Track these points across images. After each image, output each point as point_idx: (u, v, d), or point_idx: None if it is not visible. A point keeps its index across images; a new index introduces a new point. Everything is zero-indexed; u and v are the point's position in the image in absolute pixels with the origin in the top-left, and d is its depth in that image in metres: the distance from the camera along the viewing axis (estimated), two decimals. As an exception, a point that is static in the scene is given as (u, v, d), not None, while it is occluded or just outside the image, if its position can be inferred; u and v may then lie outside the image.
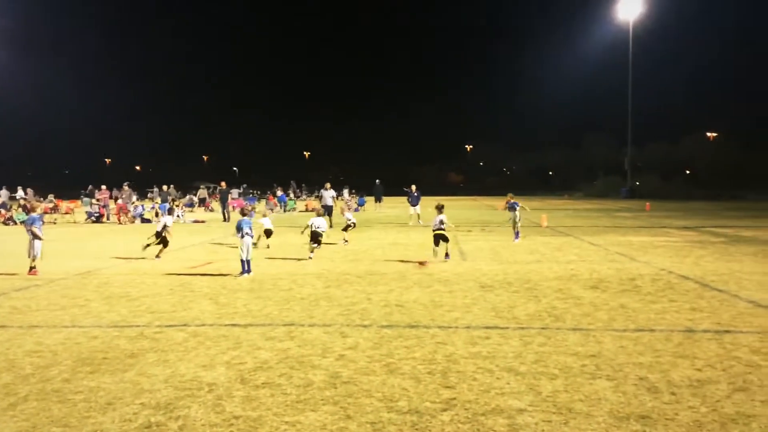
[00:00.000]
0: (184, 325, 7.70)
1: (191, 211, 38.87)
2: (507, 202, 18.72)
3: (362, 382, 5.44)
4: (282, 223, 25.84)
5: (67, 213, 31.73)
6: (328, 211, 25.47)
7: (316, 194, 56.41)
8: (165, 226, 14.74)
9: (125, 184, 36.34)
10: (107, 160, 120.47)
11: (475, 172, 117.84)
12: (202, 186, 48.95)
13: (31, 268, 12.00)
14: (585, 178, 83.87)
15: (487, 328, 7.44)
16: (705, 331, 7.23)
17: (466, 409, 4.80)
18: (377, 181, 40.32)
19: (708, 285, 10.36)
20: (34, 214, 12.67)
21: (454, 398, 5.03)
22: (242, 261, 11.56)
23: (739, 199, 55.93)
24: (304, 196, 61.30)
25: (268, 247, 16.48)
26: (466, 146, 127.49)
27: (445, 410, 4.77)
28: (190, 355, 6.32)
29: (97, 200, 33.43)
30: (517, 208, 18.13)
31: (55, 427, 4.52)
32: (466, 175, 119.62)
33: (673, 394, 5.08)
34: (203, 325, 7.70)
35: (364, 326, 7.56)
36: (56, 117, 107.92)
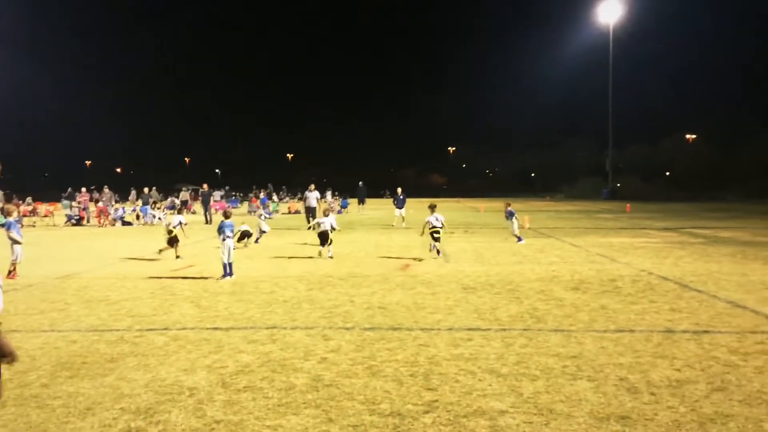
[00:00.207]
0: (165, 328, 7.64)
1: (173, 213, 38.57)
2: (506, 210, 18.74)
3: (344, 384, 5.44)
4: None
5: (46, 216, 31.34)
6: (311, 212, 25.45)
7: (299, 196, 56.26)
8: (180, 223, 15.09)
9: (105, 186, 35.97)
10: (87, 163, 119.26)
11: (458, 174, 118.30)
12: (183, 188, 48.56)
13: (10, 271, 11.83)
14: (566, 180, 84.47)
15: (470, 329, 7.46)
16: (684, 331, 7.31)
17: (448, 411, 4.81)
18: (360, 183, 40.32)
19: (687, 286, 10.48)
20: (10, 219, 12.48)
21: (436, 400, 5.03)
22: (224, 264, 11.49)
23: (717, 200, 56.66)
24: (287, 199, 61.09)
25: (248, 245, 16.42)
26: (449, 148, 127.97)
27: (427, 412, 4.78)
28: (171, 359, 6.27)
29: (78, 203, 33.08)
30: (515, 216, 18.20)
31: (32, 434, 4.46)
32: (448, 177, 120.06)
33: (652, 394, 5.13)
34: (184, 328, 7.64)
35: (347, 329, 7.55)
36: (35, 119, 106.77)
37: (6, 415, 4.80)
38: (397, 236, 20.89)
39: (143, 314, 8.48)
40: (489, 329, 7.47)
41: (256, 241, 18.09)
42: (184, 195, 44.52)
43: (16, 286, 10.95)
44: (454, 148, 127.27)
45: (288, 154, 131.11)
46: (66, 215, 30.52)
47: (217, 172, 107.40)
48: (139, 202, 31.50)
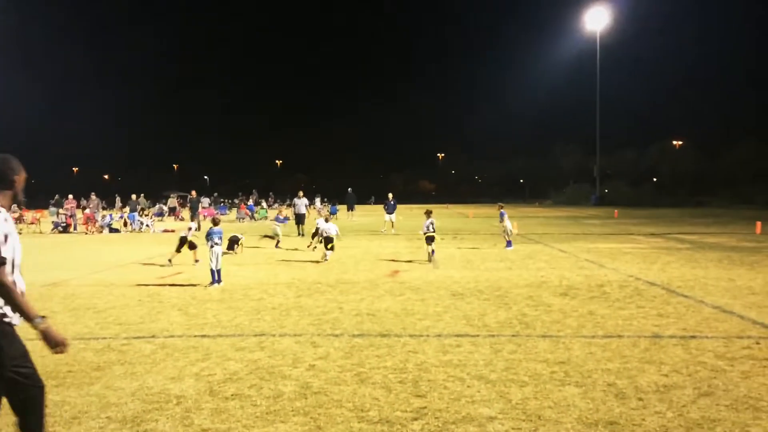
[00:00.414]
0: (152, 336, 7.59)
1: (161, 220, 38.39)
2: (499, 212, 18.83)
3: (333, 392, 5.42)
4: (253, 231, 25.63)
5: (32, 223, 31.08)
6: (300, 219, 25.40)
7: (288, 203, 56.16)
8: (190, 229, 15.40)
9: (92, 193, 35.73)
10: (74, 170, 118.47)
11: (447, 181, 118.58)
12: (172, 195, 48.38)
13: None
14: (555, 186, 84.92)
15: (458, 336, 7.47)
16: (671, 336, 7.35)
17: (436, 417, 4.81)
18: (349, 189, 40.33)
19: (674, 291, 10.55)
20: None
21: (425, 407, 5.03)
22: (212, 271, 11.44)
23: (703, 205, 57.14)
24: (276, 205, 60.95)
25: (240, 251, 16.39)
26: (438, 155, 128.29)
27: (415, 419, 4.77)
28: (158, 367, 6.23)
29: (65, 210, 32.83)
30: (506, 217, 18.29)
31: (17, 444, 4.40)
32: (437, 183, 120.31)
33: (640, 399, 5.15)
34: (172, 336, 7.59)
35: (335, 336, 7.53)
36: (21, 125, 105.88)
37: (-10, 425, 4.74)
38: (386, 242, 20.89)
39: (130, 322, 8.42)
40: (478, 335, 7.48)
41: (276, 245, 19.36)
42: (172, 202, 44.35)
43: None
44: (443, 155, 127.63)
45: (277, 161, 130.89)
46: (53, 222, 30.27)
47: (206, 179, 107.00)
48: (127, 209, 31.30)
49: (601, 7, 64.45)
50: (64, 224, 29.01)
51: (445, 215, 43.16)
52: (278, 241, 19.72)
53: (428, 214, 15.90)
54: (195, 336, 7.59)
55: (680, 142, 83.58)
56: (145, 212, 33.47)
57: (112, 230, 28.33)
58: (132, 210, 31.28)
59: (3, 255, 3.32)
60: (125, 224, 29.77)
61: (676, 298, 9.92)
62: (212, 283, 11.38)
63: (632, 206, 56.00)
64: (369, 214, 44.27)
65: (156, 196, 56.69)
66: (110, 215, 31.48)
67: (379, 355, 6.63)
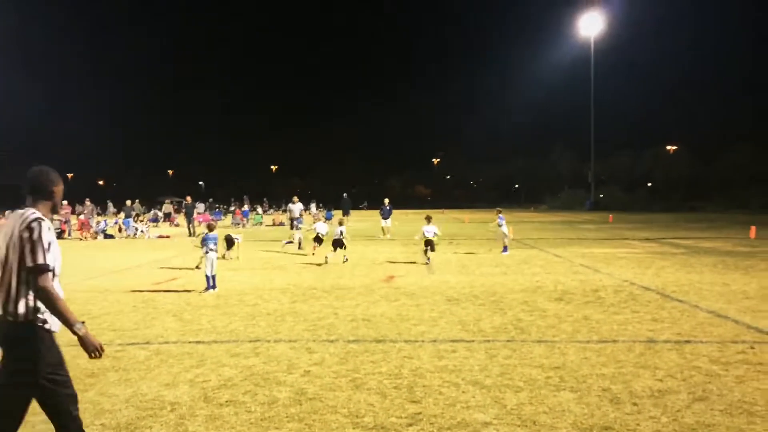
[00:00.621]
0: (147, 342, 7.56)
1: (156, 226, 38.30)
2: (498, 217, 18.96)
3: (328, 398, 5.41)
4: (247, 237, 25.58)
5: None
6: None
7: (283, 208, 56.11)
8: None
9: (87, 199, 35.63)
10: (69, 175, 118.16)
11: (443, 185, 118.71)
12: (167, 201, 48.30)
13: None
14: (550, 191, 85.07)
15: (454, 341, 7.46)
16: (666, 341, 7.36)
17: (431, 423, 4.80)
18: (345, 194, 40.31)
19: (669, 296, 10.57)
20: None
21: (420, 413, 5.02)
22: (207, 276, 11.42)
23: (698, 210, 57.31)
24: (271, 211, 60.89)
25: (229, 257, 16.35)
26: (434, 159, 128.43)
27: (410, 425, 4.77)
28: (153, 374, 6.21)
29: (59, 216, 32.70)
30: (504, 222, 18.39)
31: (10, 451, 4.37)
32: (433, 188, 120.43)
33: (635, 404, 5.16)
34: (166, 342, 7.57)
35: (331, 341, 7.52)
36: (14, 129, 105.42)
37: (-17, 432, 4.71)
38: (381, 248, 20.87)
39: (125, 328, 8.40)
40: (473, 341, 7.48)
41: (299, 247, 20.11)
42: (168, 207, 44.27)
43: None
44: (438, 160, 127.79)
45: (272, 166, 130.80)
46: (47, 228, 30.11)
47: (201, 185, 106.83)
48: (122, 215, 31.21)
49: (596, 11, 64.78)
50: (59, 230, 28.87)
51: (441, 220, 43.14)
52: (300, 245, 20.38)
53: (428, 219, 16.59)
54: (190, 342, 7.56)
55: (675, 147, 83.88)
56: (140, 218, 33.38)
57: (107, 236, 28.24)
58: (127, 216, 31.20)
59: (47, 263, 3.44)
60: (120, 230, 29.68)
61: (671, 302, 9.94)
62: (207, 288, 11.36)
63: (627, 211, 56.14)
64: (364, 219, 44.28)
65: (151, 202, 56.54)
66: (104, 221, 31.37)
67: (375, 360, 6.62)
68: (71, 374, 6.12)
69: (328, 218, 40.51)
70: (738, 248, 19.40)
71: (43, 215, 3.60)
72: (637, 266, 14.82)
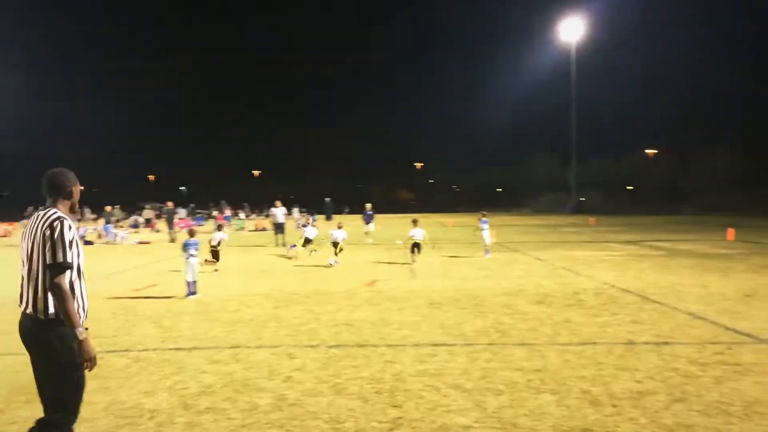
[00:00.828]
0: (126, 350, 7.48)
1: (136, 232, 37.96)
2: (480, 220, 19.13)
3: (309, 403, 5.38)
4: (230, 243, 25.39)
5: (5, 236, 30.57)
6: (280, 228, 25.26)
7: (266, 213, 55.85)
8: (220, 242, 15.96)
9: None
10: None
11: (426, 190, 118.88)
12: (147, 206, 47.87)
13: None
14: (532, 195, 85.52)
15: (435, 345, 7.47)
16: (645, 343, 7.43)
17: (412, 428, 4.80)
18: (327, 199, 40.28)
19: (648, 298, 10.67)
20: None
21: (401, 417, 5.02)
22: (187, 282, 11.33)
23: (677, 213, 57.97)
24: (254, 216, 60.52)
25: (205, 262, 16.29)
26: (416, 164, 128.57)
27: (391, 430, 4.76)
28: (132, 382, 6.14)
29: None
30: (486, 225, 18.55)
31: (-16, 462, 4.31)
32: (416, 192, 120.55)
33: (614, 406, 5.20)
34: (146, 349, 7.50)
35: (312, 347, 7.49)
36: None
37: (-44, 443, 4.64)
38: (364, 252, 20.86)
39: (104, 335, 8.30)
40: (454, 344, 7.49)
41: (313, 251, 19.75)
42: (148, 213, 43.90)
43: (-29, 308, 10.62)
44: (421, 164, 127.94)
45: (254, 171, 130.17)
46: (25, 235, 29.74)
47: (182, 190, 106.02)
48: (101, 221, 30.88)
49: (577, 17, 65.48)
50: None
51: (424, 224, 43.19)
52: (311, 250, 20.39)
53: (415, 222, 17.13)
54: (169, 349, 7.50)
55: (655, 151, 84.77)
56: (120, 224, 33.07)
57: (86, 242, 27.92)
58: (107, 221, 30.88)
59: (67, 261, 3.56)
60: (99, 236, 29.37)
61: (650, 304, 10.04)
62: (188, 295, 11.27)
63: (608, 214, 56.62)
64: (346, 224, 44.14)
65: (132, 208, 55.98)
66: (84, 228, 31.02)
67: (356, 365, 6.61)
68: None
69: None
70: (716, 250, 19.65)
71: (64, 214, 3.71)
72: (617, 269, 14.95)
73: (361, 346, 7.49)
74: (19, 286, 3.78)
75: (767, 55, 74.35)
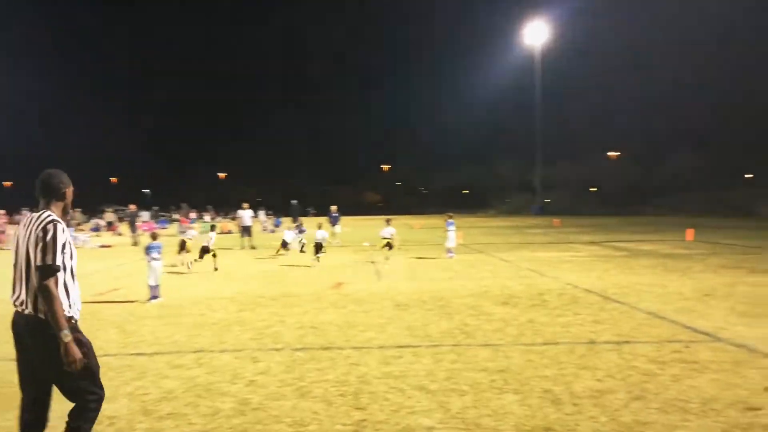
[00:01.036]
0: (86, 355, 7.32)
1: (98, 235, 37.22)
2: (446, 222, 19.45)
3: (272, 407, 5.34)
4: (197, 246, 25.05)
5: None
6: (246, 231, 25.06)
7: (231, 216, 55.30)
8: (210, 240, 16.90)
9: (24, 208, 34.40)
10: (7, 184, 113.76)
11: (392, 192, 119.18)
12: (109, 209, 46.99)
13: None
14: (498, 197, 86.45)
15: (400, 347, 7.48)
16: (606, 342, 7.56)
17: (376, 429, 4.80)
18: (294, 201, 40.08)
19: (610, 298, 10.85)
20: None
21: (365, 419, 5.01)
22: (150, 286, 11.16)
23: (639, 214, 59.19)
24: (219, 219, 59.87)
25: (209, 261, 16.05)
26: (382, 166, 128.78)
27: (355, 432, 4.75)
28: (91, 388, 6.01)
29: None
30: (452, 227, 18.86)
31: (-66, 473, 4.18)
32: (383, 194, 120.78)
33: (575, 405, 5.27)
34: (107, 355, 7.35)
35: (277, 350, 7.44)
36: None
37: None
38: (330, 254, 20.79)
39: (62, 341, 8.10)
40: (420, 346, 7.51)
41: (302, 251, 21.48)
42: (110, 216, 43.12)
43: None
44: (388, 166, 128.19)
45: (219, 174, 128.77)
46: (-19, 239, 28.94)
47: (146, 192, 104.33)
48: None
49: (541, 21, 66.43)
50: (-5, 240, 27.77)
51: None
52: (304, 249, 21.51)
53: (388, 221, 18.24)
54: (130, 354, 7.37)
55: (618, 153, 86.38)
56: (81, 227, 32.39)
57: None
58: (67, 225, 30.22)
59: (57, 264, 3.62)
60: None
61: (612, 304, 10.21)
62: (151, 299, 11.10)
63: (573, 215, 57.52)
64: (311, 226, 43.94)
65: (93, 211, 54.88)
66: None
67: (321, 368, 6.58)
68: (8, 390, 5.91)
69: (277, 225, 40.23)
70: (676, 250, 20.09)
71: (57, 217, 3.79)
72: (580, 269, 15.18)
73: (326, 348, 7.47)
74: (11, 287, 3.80)
75: (727, 60, 76.02)
